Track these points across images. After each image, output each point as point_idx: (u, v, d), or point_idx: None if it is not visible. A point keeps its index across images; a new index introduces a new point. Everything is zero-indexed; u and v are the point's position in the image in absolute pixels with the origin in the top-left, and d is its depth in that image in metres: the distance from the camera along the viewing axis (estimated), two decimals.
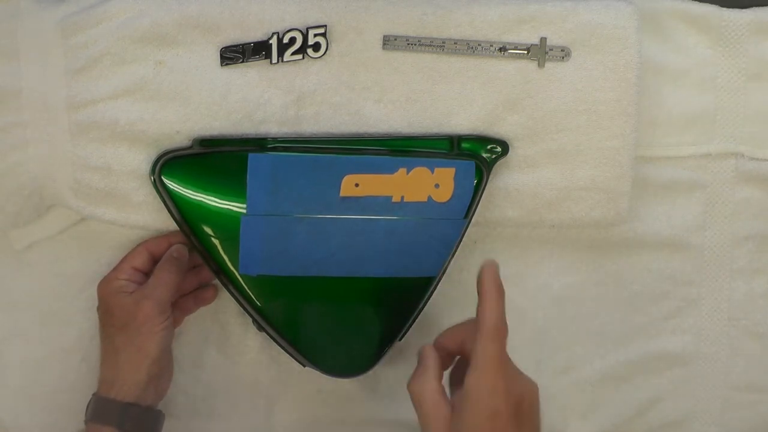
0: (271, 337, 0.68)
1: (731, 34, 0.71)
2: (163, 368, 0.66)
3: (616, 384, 0.75)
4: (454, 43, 0.66)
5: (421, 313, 0.69)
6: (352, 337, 0.67)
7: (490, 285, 0.57)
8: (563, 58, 0.67)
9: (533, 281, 0.74)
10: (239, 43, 0.65)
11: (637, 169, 0.69)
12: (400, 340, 0.69)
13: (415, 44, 0.66)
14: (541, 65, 0.67)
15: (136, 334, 0.64)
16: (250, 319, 0.69)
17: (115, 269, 0.67)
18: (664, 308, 0.75)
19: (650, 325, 0.75)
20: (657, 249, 0.73)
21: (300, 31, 0.65)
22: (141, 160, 0.65)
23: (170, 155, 0.65)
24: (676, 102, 0.72)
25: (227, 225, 0.65)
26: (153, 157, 0.65)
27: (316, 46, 0.65)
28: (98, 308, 0.67)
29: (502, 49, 0.67)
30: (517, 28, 0.66)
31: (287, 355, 0.69)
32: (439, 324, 0.72)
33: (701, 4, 0.71)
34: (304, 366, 0.69)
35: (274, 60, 0.65)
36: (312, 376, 0.69)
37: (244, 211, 0.65)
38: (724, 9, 0.71)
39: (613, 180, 0.68)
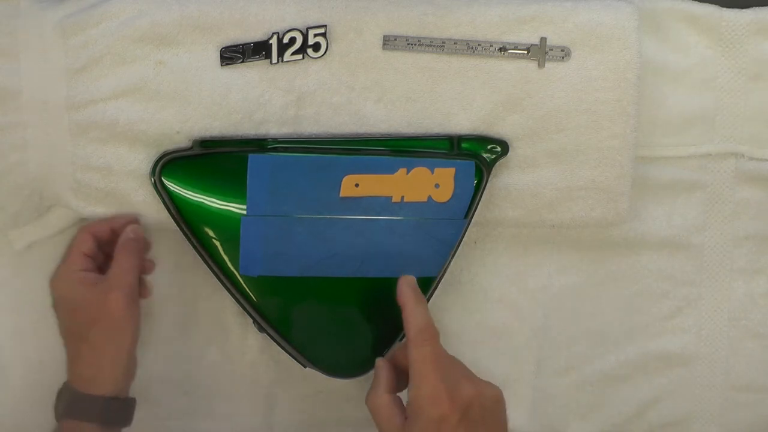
0: (272, 337, 0.68)
1: (731, 34, 0.71)
2: (135, 355, 0.65)
3: (616, 384, 0.75)
4: (454, 43, 0.66)
5: None
6: (352, 337, 0.67)
7: (408, 293, 0.61)
8: (563, 58, 0.67)
9: (533, 281, 0.74)
10: (239, 43, 0.65)
11: (637, 169, 0.69)
12: (401, 340, 0.69)
13: (415, 44, 0.66)
14: (541, 65, 0.67)
15: (112, 330, 0.62)
16: (251, 320, 0.69)
17: (65, 262, 0.65)
18: (664, 308, 0.75)
19: (650, 325, 0.75)
20: (657, 249, 0.74)
21: (300, 31, 0.65)
22: (141, 160, 0.65)
23: (170, 156, 0.65)
24: (676, 102, 0.72)
25: (227, 226, 0.65)
26: (153, 157, 0.65)
27: (316, 46, 0.65)
28: (55, 306, 0.65)
29: (502, 49, 0.67)
30: (517, 28, 0.66)
31: (287, 355, 0.69)
32: (439, 324, 0.72)
33: (701, 4, 0.71)
34: (305, 367, 0.69)
35: (274, 60, 0.65)
36: (312, 376, 0.69)
37: (245, 212, 0.65)
38: (724, 9, 0.71)
39: (613, 180, 0.68)
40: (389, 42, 0.66)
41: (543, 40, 0.67)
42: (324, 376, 0.68)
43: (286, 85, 0.66)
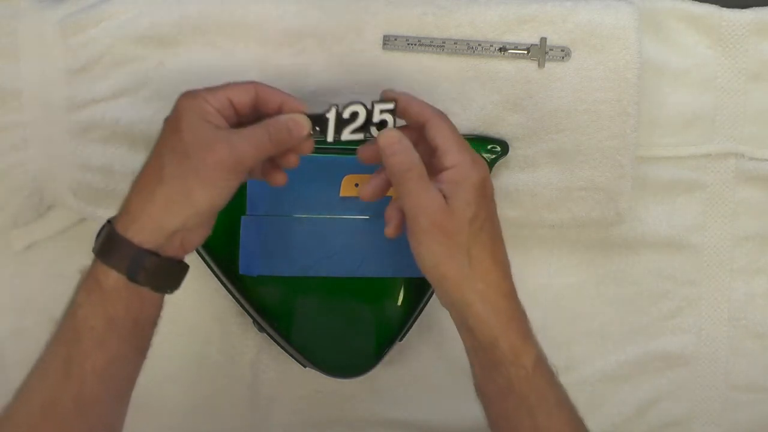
0: (272, 337, 0.68)
1: (731, 34, 0.71)
2: (201, 223, 0.54)
3: (616, 384, 0.75)
4: (454, 43, 0.66)
5: (422, 313, 0.69)
6: (352, 337, 0.67)
7: (403, 96, 0.57)
8: (563, 58, 0.67)
9: (533, 281, 0.74)
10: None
11: (637, 169, 0.69)
12: (401, 340, 0.69)
13: (415, 44, 0.66)
14: (541, 65, 0.67)
15: (193, 174, 0.52)
16: (251, 320, 0.69)
17: (209, 91, 0.54)
18: (664, 308, 0.75)
19: (650, 325, 0.75)
20: (657, 249, 0.73)
21: (364, 105, 0.56)
22: (141, 161, 0.65)
23: None
24: (676, 102, 0.72)
25: (227, 225, 0.64)
26: None
27: (382, 124, 0.57)
28: (167, 119, 0.55)
29: (502, 49, 0.67)
30: (517, 28, 0.66)
31: (287, 355, 0.69)
32: (439, 324, 0.72)
33: (701, 4, 0.71)
34: (305, 366, 0.69)
35: (330, 138, 0.56)
36: (312, 376, 0.69)
37: (245, 211, 0.65)
38: (724, 9, 0.71)
39: (613, 180, 0.68)
40: (389, 42, 0.66)
41: (543, 40, 0.67)
42: (324, 376, 0.68)
43: (287, 85, 0.65)
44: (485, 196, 0.55)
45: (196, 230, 0.54)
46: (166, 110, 0.65)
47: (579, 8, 0.67)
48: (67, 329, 0.53)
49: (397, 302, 0.68)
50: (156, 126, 0.64)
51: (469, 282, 0.55)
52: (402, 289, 0.67)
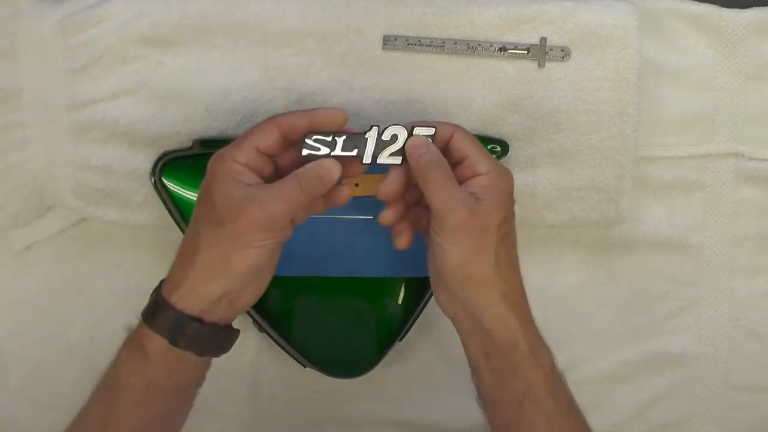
0: (272, 337, 0.68)
1: (731, 34, 0.71)
2: (247, 283, 0.54)
3: (616, 384, 0.75)
4: (454, 43, 0.66)
5: (422, 313, 0.69)
6: (352, 338, 0.67)
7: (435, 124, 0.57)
8: (563, 58, 0.67)
9: (533, 281, 0.73)
10: (330, 132, 0.55)
11: (637, 169, 0.69)
12: (401, 340, 0.69)
13: (415, 44, 0.66)
14: (541, 65, 0.67)
15: (227, 240, 0.52)
16: (251, 320, 0.69)
17: (234, 146, 0.54)
18: (664, 308, 0.75)
19: (650, 325, 0.75)
20: (657, 249, 0.73)
21: (405, 129, 0.56)
22: (141, 160, 0.65)
23: (170, 156, 0.65)
24: (676, 102, 0.72)
25: None
26: (153, 157, 0.65)
27: None
28: (201, 185, 0.54)
29: (502, 49, 0.66)
30: (517, 28, 0.66)
31: (287, 355, 0.69)
32: (439, 324, 0.72)
33: (701, 4, 0.71)
34: (305, 366, 0.69)
35: (367, 160, 0.56)
36: (312, 376, 0.69)
37: None
38: (724, 9, 0.71)
39: (613, 180, 0.68)
40: (389, 42, 0.66)
41: (543, 40, 0.67)
42: (324, 376, 0.68)
43: (287, 85, 0.66)
44: (512, 204, 0.57)
45: (244, 291, 0.54)
46: (166, 110, 0.65)
47: (579, 8, 0.67)
48: (108, 384, 0.54)
49: (397, 302, 0.68)
50: (156, 126, 0.65)
51: (496, 283, 0.55)
52: (402, 289, 0.67)
